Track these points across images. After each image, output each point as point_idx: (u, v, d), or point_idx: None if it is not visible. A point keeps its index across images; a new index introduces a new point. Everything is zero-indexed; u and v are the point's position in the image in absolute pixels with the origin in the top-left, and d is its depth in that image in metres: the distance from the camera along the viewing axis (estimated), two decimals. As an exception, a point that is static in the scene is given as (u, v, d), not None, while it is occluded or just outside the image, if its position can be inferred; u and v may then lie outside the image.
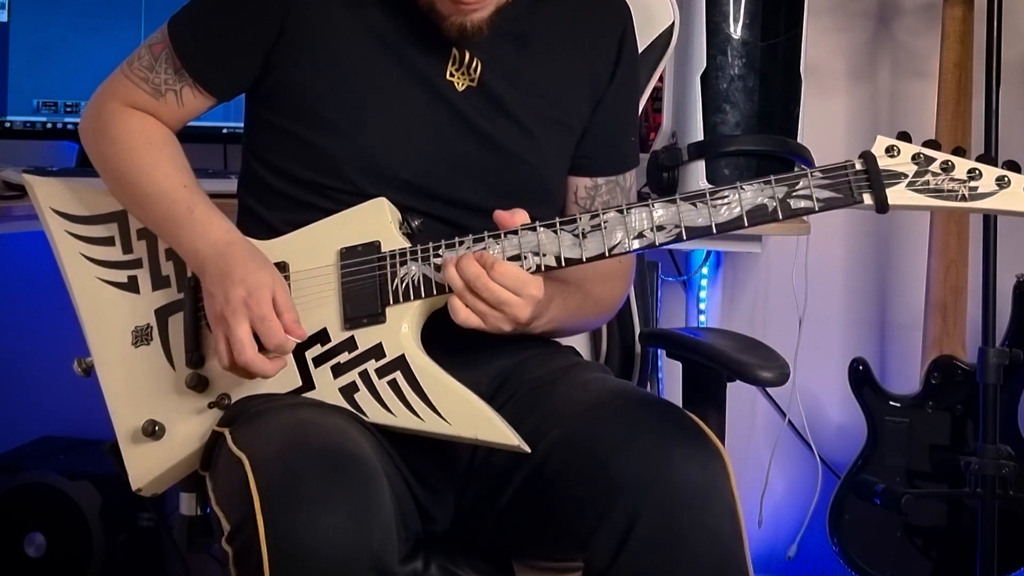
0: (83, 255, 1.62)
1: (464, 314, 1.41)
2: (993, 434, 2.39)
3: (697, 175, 2.23)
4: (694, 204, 1.40)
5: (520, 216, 1.43)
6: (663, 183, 2.25)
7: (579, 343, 1.85)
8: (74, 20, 2.39)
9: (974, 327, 2.50)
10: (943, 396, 2.53)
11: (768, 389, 2.73)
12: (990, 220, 2.41)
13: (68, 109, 2.40)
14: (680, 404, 1.69)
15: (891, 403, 2.55)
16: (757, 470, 2.73)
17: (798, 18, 2.28)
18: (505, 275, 1.39)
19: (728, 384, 1.68)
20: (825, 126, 2.58)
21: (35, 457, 2.65)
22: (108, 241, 1.61)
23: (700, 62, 2.23)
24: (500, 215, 1.44)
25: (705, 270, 2.68)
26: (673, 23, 1.87)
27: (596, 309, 1.65)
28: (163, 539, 2.59)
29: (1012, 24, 2.50)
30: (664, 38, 1.86)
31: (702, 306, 2.68)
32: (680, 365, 1.75)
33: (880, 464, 2.53)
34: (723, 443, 1.57)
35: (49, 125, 2.40)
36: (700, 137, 2.24)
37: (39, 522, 2.50)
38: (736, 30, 2.24)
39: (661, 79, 2.22)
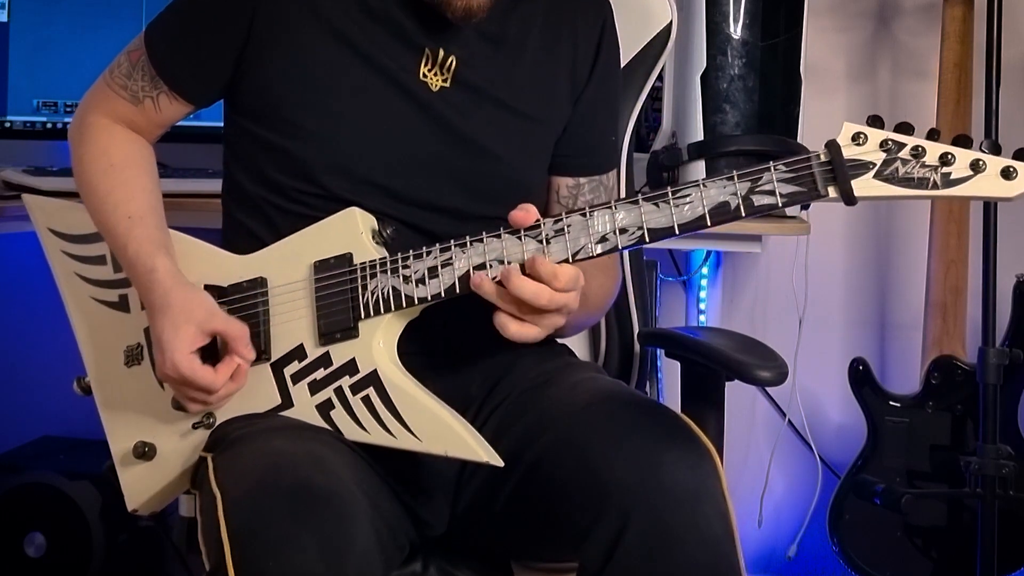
0: (77, 275, 1.62)
1: (515, 328, 1.37)
2: (993, 434, 2.39)
3: (697, 175, 2.22)
4: (656, 204, 1.36)
5: (532, 213, 1.39)
6: (663, 183, 2.24)
7: (578, 343, 1.86)
8: (74, 20, 2.39)
9: (974, 327, 2.50)
10: (943, 396, 2.53)
11: (768, 389, 2.73)
12: (990, 220, 2.41)
13: (68, 109, 2.40)
14: (679, 404, 1.69)
15: (891, 403, 2.55)
16: (757, 470, 2.73)
17: (798, 18, 2.28)
18: (562, 275, 1.36)
19: (728, 384, 1.67)
20: (825, 126, 2.54)
21: (35, 457, 2.66)
22: (100, 260, 1.60)
23: (700, 62, 2.23)
24: (515, 215, 1.39)
25: (705, 270, 2.68)
26: (671, 22, 1.87)
27: (597, 300, 1.61)
28: (163, 539, 2.59)
29: (1012, 24, 2.50)
30: (662, 37, 1.86)
31: (702, 306, 2.68)
32: (679, 365, 1.75)
33: (880, 464, 2.53)
34: (723, 443, 1.57)
35: (49, 125, 2.40)
36: (700, 137, 2.23)
37: (39, 522, 2.50)
38: (736, 30, 2.24)
39: (661, 79, 2.22)
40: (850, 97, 2.73)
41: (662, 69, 1.97)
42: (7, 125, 2.37)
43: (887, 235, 2.78)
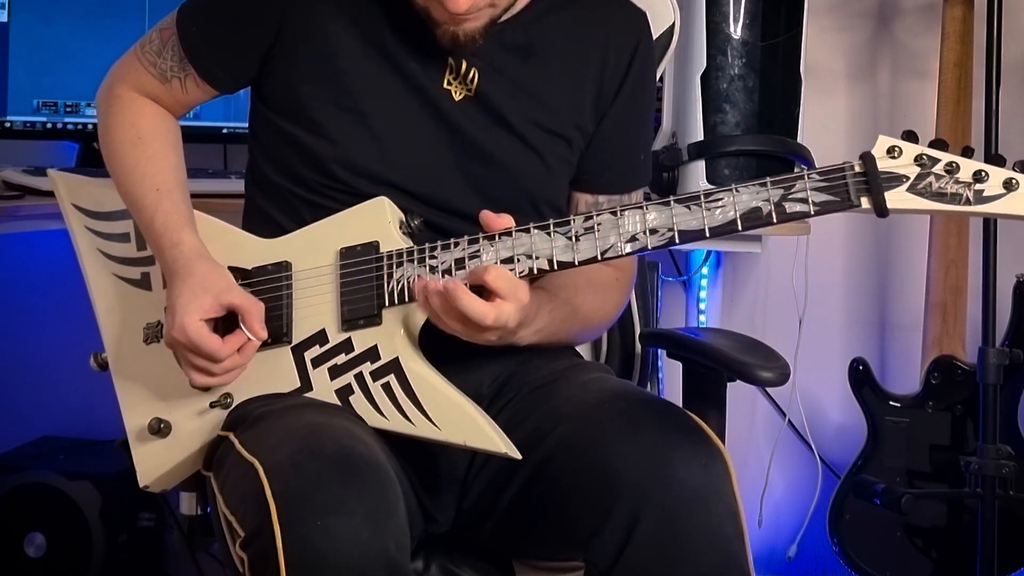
0: (100, 251, 1.62)
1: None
2: (993, 434, 2.39)
3: (697, 175, 2.23)
4: (688, 207, 1.37)
5: (505, 220, 1.41)
6: (663, 183, 2.25)
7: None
8: (74, 20, 2.39)
9: (974, 327, 2.50)
10: (943, 396, 2.53)
11: (768, 389, 2.73)
12: (990, 220, 2.41)
13: (68, 109, 2.40)
14: (680, 404, 1.69)
15: (891, 403, 2.55)
16: (757, 470, 2.73)
17: (798, 18, 2.28)
18: (499, 277, 1.37)
19: (728, 384, 1.68)
20: (825, 126, 2.58)
21: (35, 457, 2.65)
22: (124, 238, 1.61)
23: (700, 62, 2.23)
24: (487, 216, 1.42)
25: (705, 270, 2.68)
26: (673, 23, 1.87)
27: (586, 321, 1.61)
28: (165, 539, 2.59)
29: (1012, 24, 2.51)
30: (664, 38, 1.86)
31: (702, 306, 2.68)
32: (680, 365, 1.75)
33: (880, 464, 2.53)
34: (723, 443, 1.57)
35: (49, 125, 2.40)
36: (700, 137, 2.24)
37: (39, 522, 2.50)
38: (736, 30, 2.24)
39: (661, 79, 2.22)
40: (850, 97, 2.72)
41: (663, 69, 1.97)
42: (7, 125, 2.36)
43: (887, 235, 2.78)
